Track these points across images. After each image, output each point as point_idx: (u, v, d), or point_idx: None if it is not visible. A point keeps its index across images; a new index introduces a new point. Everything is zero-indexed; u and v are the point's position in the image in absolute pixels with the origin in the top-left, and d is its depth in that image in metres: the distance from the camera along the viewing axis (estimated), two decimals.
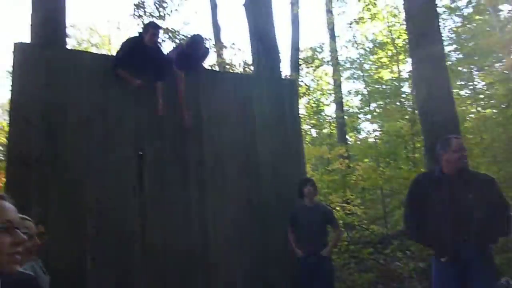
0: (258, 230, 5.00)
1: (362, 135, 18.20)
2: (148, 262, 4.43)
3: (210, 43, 12.12)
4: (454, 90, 9.84)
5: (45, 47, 4.55)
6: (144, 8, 11.37)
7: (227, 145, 5.20)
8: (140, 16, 11.45)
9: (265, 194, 5.18)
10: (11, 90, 4.17)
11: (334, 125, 18.41)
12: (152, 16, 11.32)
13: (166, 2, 11.23)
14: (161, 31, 5.04)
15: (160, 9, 11.18)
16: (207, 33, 15.11)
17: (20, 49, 4.25)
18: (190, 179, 4.89)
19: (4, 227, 1.13)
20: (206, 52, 5.28)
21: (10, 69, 4.20)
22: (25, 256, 2.99)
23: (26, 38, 4.85)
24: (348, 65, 17.62)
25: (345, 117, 16.56)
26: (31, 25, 4.78)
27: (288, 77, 10.92)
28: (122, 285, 4.28)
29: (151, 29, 4.68)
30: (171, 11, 11.35)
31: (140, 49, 4.62)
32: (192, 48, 4.93)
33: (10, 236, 1.14)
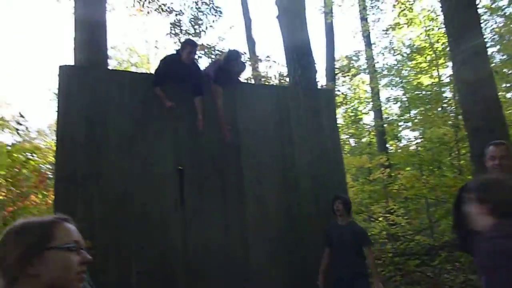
0: (297, 243, 4.93)
1: (403, 143, 17.72)
2: (190, 274, 4.46)
3: (245, 57, 12.26)
4: (500, 93, 9.41)
5: (88, 69, 4.75)
6: (180, 26, 11.67)
7: (265, 157, 5.20)
8: (176, 34, 11.76)
9: (304, 206, 5.12)
10: (57, 111, 4.37)
11: (373, 133, 18.06)
12: (188, 33, 11.60)
13: (201, 20, 11.50)
14: (197, 48, 5.08)
15: (196, 26, 11.44)
16: (242, 47, 15.30)
17: (64, 72, 4.45)
18: (229, 192, 4.91)
19: (75, 247, 1.22)
20: (242, 66, 5.34)
21: (56, 91, 4.38)
22: None
23: (70, 59, 5.04)
24: (385, 72, 17.26)
25: (385, 125, 16.19)
26: (74, 47, 5.01)
27: (325, 87, 10.82)
28: None
29: (188, 46, 4.77)
30: (206, 27, 11.58)
31: (178, 66, 4.74)
32: (229, 63, 5.00)
33: (78, 256, 1.23)
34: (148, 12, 11.21)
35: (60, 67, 4.47)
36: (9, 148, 8.75)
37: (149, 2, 10.90)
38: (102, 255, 4.09)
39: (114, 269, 4.20)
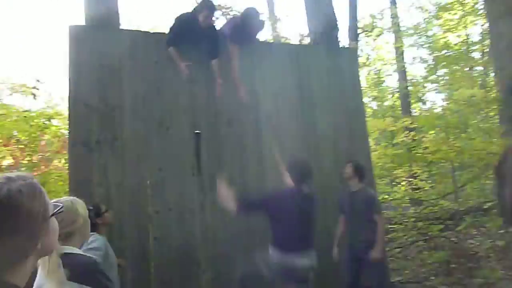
0: (321, 204, 4.76)
1: (428, 105, 17.16)
2: (208, 240, 4.40)
3: (264, 16, 11.78)
4: None
5: (99, 29, 4.54)
6: None
7: (284, 120, 4.99)
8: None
9: (326, 171, 4.92)
10: (68, 74, 4.21)
11: (397, 96, 17.51)
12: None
13: None
14: (215, 11, 4.85)
15: None
16: (261, 7, 14.71)
17: (74, 32, 4.26)
18: (248, 156, 4.75)
19: None
20: (260, 24, 5.04)
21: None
22: (99, 230, 3.13)
23: (81, 18, 4.85)
24: (411, 31, 16.47)
25: (409, 87, 15.61)
26: (84, 8, 4.80)
27: (347, 46, 10.36)
28: (184, 262, 4.28)
29: (207, 10, 4.46)
30: None
31: (194, 27, 4.47)
32: (246, 21, 4.72)
33: None
34: None
35: (70, 27, 4.28)
36: (27, 113, 8.75)
37: None
38: (118, 219, 4.03)
39: (131, 234, 4.16)
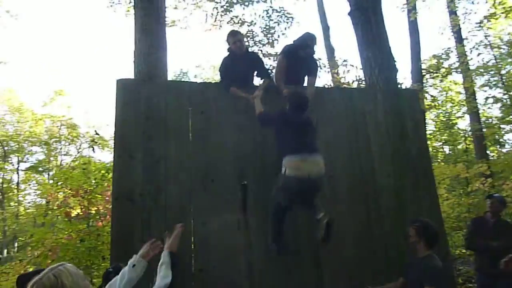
0: (377, 269, 4.20)
1: (507, 148, 15.71)
2: None
3: (321, 62, 11.67)
4: None
5: (145, 81, 4.57)
6: (253, 37, 11.45)
7: (338, 169, 4.58)
8: (250, 46, 11.56)
9: (389, 225, 4.38)
10: (115, 127, 4.21)
11: (470, 139, 16.28)
12: (261, 43, 11.33)
13: (273, 28, 11.17)
14: (240, 35, 4.93)
15: (268, 35, 11.14)
16: (320, 55, 14.61)
17: (121, 85, 4.30)
18: (298, 208, 4.36)
19: None
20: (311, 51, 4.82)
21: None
22: None
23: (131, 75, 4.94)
24: (481, 70, 15.47)
25: (484, 129, 14.43)
26: (134, 60, 4.89)
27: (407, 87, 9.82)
28: None
29: (230, 37, 4.63)
30: (279, 36, 11.23)
31: (234, 59, 4.54)
32: (304, 47, 4.70)
33: None
34: (220, 26, 11.18)
35: (117, 81, 4.33)
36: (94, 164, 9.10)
37: (221, 16, 10.86)
38: None
39: None
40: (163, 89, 4.47)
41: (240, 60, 4.57)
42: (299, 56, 4.66)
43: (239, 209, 4.23)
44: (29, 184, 24.34)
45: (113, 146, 4.21)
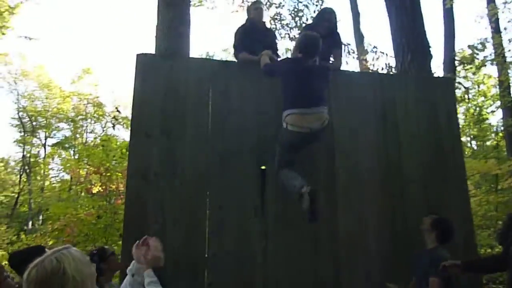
0: (401, 266, 3.97)
1: None
2: None
3: (350, 48, 11.28)
4: None
5: (166, 57, 4.40)
6: (281, 19, 11.15)
7: (364, 159, 4.35)
8: (277, 29, 11.25)
9: (413, 221, 4.12)
10: (132, 103, 4.07)
11: (501, 135, 15.63)
12: (289, 26, 11.01)
13: (302, 11, 10.82)
14: (262, 5, 5.08)
15: (296, 18, 10.80)
16: (350, 41, 14.15)
17: (141, 61, 4.14)
18: (319, 198, 4.16)
19: None
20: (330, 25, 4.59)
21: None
22: (105, 276, 3.03)
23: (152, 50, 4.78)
24: None
25: None
26: (156, 36, 4.73)
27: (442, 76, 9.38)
28: None
29: (251, 6, 4.73)
30: (307, 19, 10.86)
31: (253, 31, 4.49)
32: (317, 22, 4.61)
33: None
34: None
35: (137, 55, 4.18)
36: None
37: None
38: (172, 260, 3.67)
39: (184, 276, 3.76)
40: (183, 66, 4.29)
41: (257, 32, 4.56)
42: (320, 34, 4.42)
43: (257, 195, 4.06)
44: (53, 159, 24.88)
45: (130, 123, 4.08)
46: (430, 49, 5.38)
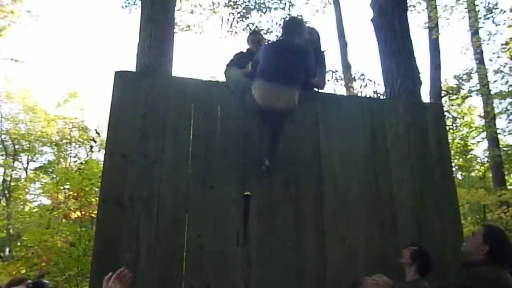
0: None
1: None
2: None
3: (337, 76, 11.26)
4: None
5: (146, 75, 4.20)
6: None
7: (353, 186, 4.14)
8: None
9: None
10: (108, 122, 3.83)
11: (486, 166, 15.69)
12: None
13: None
14: (260, 35, 4.93)
15: None
16: (338, 70, 14.21)
17: (119, 78, 3.93)
18: (306, 227, 3.92)
19: None
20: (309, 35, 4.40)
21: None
22: None
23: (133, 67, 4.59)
24: (504, 94, 14.91)
25: (503, 156, 13.84)
26: (137, 53, 4.55)
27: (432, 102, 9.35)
28: None
29: (250, 37, 4.64)
30: None
31: (251, 58, 4.24)
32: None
33: None
34: (236, 33, 10.88)
35: (116, 72, 3.97)
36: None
37: (237, 22, 10.56)
38: None
39: None
40: (165, 84, 4.09)
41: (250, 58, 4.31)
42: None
43: (239, 222, 3.80)
44: (34, 183, 24.25)
45: (105, 143, 3.82)
46: (420, 74, 5.29)
